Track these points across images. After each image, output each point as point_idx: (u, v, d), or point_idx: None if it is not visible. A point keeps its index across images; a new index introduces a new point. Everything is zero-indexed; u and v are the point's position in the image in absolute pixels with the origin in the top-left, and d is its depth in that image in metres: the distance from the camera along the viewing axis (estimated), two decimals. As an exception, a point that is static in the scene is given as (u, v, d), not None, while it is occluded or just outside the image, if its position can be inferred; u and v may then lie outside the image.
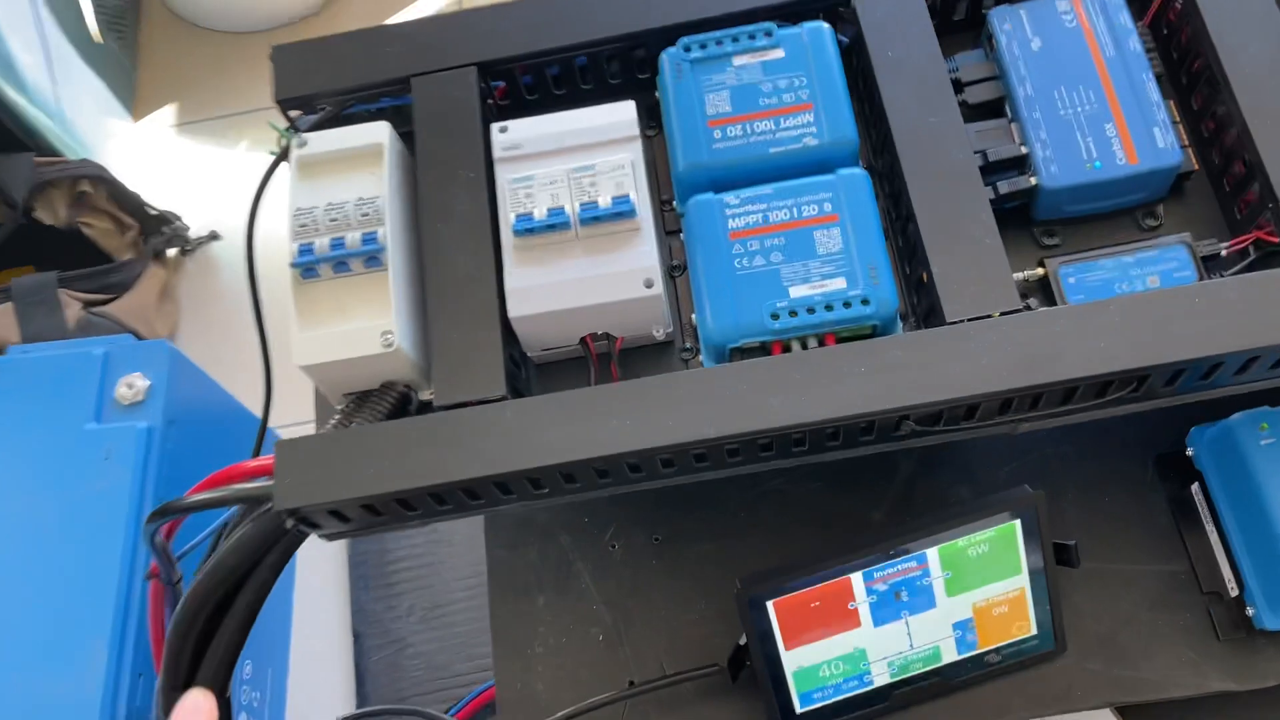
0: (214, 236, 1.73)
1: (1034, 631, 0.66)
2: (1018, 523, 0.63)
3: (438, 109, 0.65)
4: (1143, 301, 0.53)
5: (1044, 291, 0.60)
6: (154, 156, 1.87)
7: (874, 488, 0.74)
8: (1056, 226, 0.62)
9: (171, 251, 1.70)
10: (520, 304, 0.58)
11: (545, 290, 0.58)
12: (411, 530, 0.66)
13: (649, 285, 0.58)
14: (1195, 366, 0.53)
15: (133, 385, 0.96)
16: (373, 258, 0.60)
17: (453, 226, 0.61)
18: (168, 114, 1.92)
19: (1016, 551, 0.63)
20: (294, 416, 1.47)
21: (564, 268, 0.59)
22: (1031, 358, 0.53)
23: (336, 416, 0.60)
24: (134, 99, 1.92)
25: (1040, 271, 0.60)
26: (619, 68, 0.70)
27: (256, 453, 0.72)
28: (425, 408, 0.62)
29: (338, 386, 0.61)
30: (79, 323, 1.37)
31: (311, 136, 0.64)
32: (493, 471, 0.55)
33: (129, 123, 1.90)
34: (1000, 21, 0.63)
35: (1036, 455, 0.73)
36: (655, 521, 0.75)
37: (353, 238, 0.60)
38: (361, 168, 0.63)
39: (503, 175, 0.61)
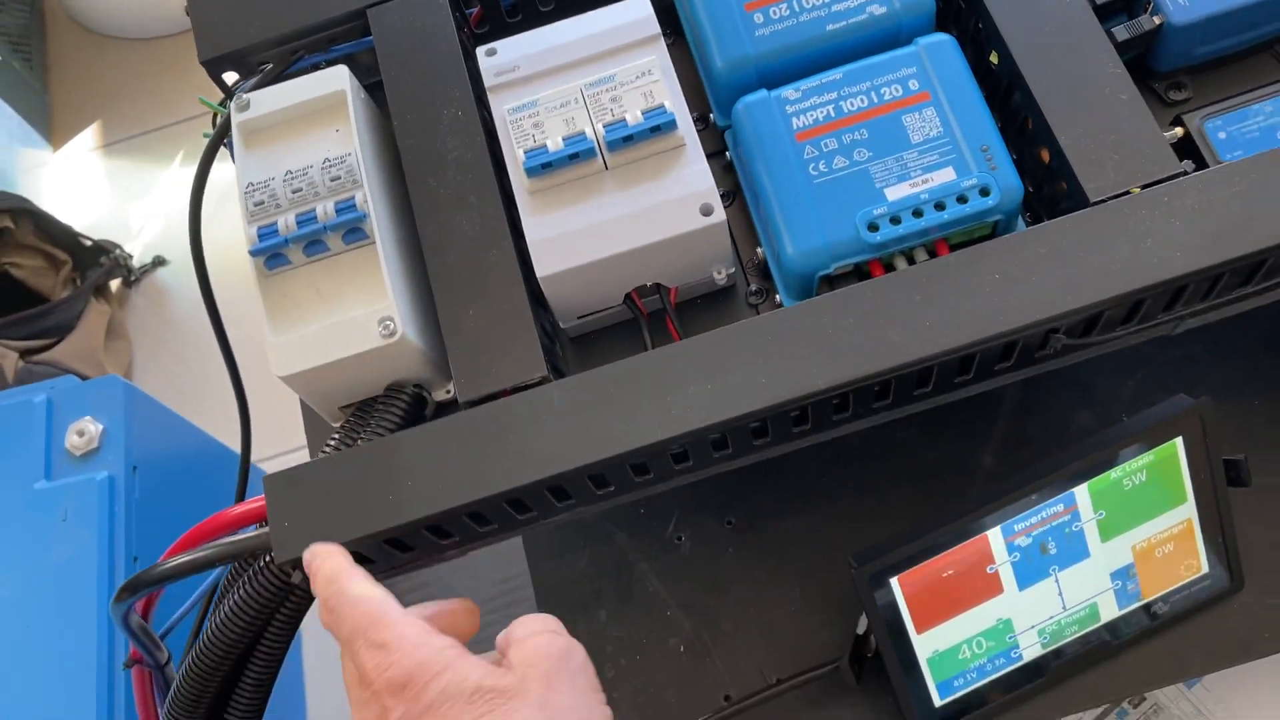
0: (160, 262, 1.58)
1: (1205, 570, 0.55)
2: (1180, 441, 0.52)
3: (405, 42, 0.52)
4: (1340, 142, 0.42)
5: (1188, 155, 0.48)
6: (81, 183, 1.72)
7: (975, 426, 0.63)
8: (1183, 76, 0.51)
9: (114, 284, 1.55)
10: (549, 259, 0.46)
11: (578, 238, 0.46)
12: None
13: (708, 212, 0.46)
14: None
15: (84, 431, 0.83)
16: (354, 229, 0.47)
17: (447, 179, 0.49)
18: (90, 136, 1.76)
19: (1180, 476, 0.52)
20: (280, 446, 1.33)
21: (597, 207, 0.46)
22: (1212, 230, 0.42)
23: (335, 437, 0.48)
24: (50, 124, 1.76)
25: (1178, 131, 0.48)
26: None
27: (240, 495, 0.59)
28: (443, 410, 0.50)
29: (331, 398, 0.49)
30: (18, 374, 1.22)
31: (254, 96, 0.51)
32: (550, 472, 0.43)
33: (48, 151, 1.74)
34: None
35: (1162, 362, 0.62)
36: (723, 503, 0.63)
37: (325, 208, 0.47)
38: (322, 124, 0.51)
39: (500, 106, 0.49)
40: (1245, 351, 0.61)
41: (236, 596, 0.46)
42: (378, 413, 0.47)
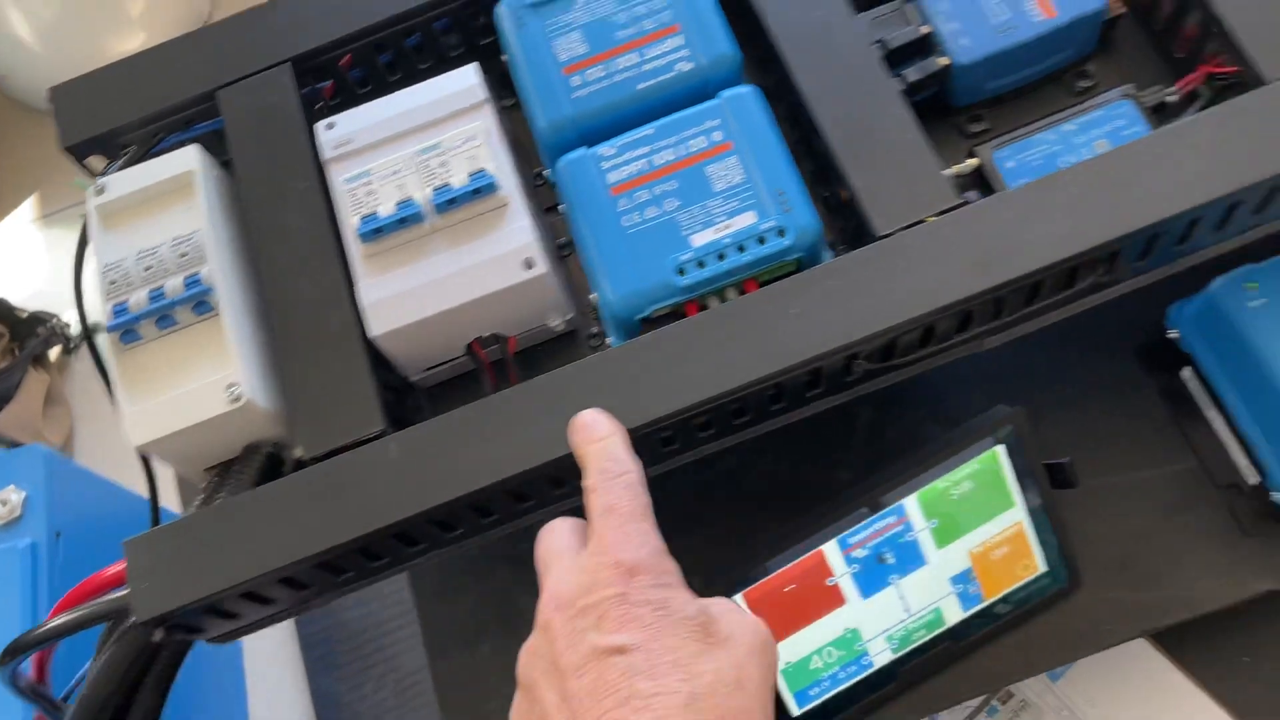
0: (98, 328, 1.60)
1: (1042, 569, 0.58)
2: (1001, 449, 0.55)
3: (252, 120, 0.56)
4: (1098, 166, 0.46)
5: (982, 184, 0.52)
6: (22, 254, 1.74)
7: (834, 445, 0.66)
8: (981, 110, 0.54)
9: (55, 352, 1.57)
10: (381, 319, 0.49)
11: (408, 298, 0.49)
12: (355, 596, 0.57)
13: (530, 265, 0.49)
14: (1172, 228, 0.45)
15: (6, 501, 0.85)
16: (201, 302, 0.50)
17: (289, 248, 0.52)
18: (29, 208, 1.79)
19: (1004, 482, 0.55)
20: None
21: (426, 267, 0.49)
22: (985, 256, 0.45)
23: (199, 499, 0.50)
24: (-12, 200, 1.79)
25: (973, 162, 0.52)
26: (458, 38, 0.61)
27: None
28: (300, 468, 0.52)
29: (193, 463, 0.51)
30: (-45, 447, 1.24)
31: (110, 180, 0.54)
32: (385, 521, 0.45)
33: (-12, 226, 1.77)
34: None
35: (1007, 374, 0.65)
36: (605, 534, 0.66)
37: (173, 284, 0.50)
38: (174, 203, 0.53)
39: (336, 176, 0.52)
40: (1081, 359, 0.64)
41: (106, 657, 0.48)
42: (234, 474, 0.50)
